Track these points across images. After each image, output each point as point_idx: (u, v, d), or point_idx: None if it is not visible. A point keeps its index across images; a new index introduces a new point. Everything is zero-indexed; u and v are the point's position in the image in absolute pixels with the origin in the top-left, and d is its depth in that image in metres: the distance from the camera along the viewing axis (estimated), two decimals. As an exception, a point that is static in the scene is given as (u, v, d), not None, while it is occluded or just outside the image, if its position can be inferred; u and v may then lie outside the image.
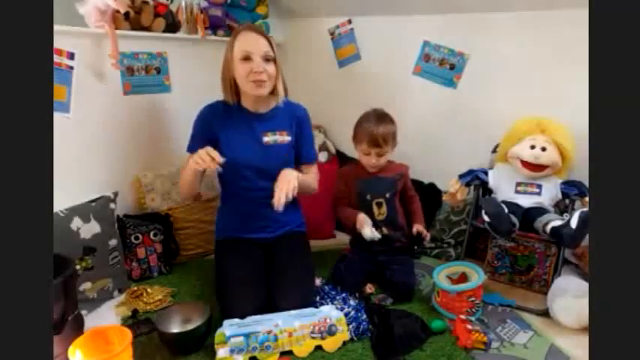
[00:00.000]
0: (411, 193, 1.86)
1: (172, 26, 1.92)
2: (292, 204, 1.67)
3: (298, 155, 1.67)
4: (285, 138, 1.61)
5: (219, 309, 1.45)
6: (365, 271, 1.74)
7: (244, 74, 1.47)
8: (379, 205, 1.73)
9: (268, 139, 1.58)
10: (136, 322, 1.51)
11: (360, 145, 1.73)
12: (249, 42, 1.47)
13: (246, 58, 1.46)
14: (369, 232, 1.64)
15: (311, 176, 1.67)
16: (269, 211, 1.59)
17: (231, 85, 1.54)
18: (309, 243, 1.73)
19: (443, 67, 2.10)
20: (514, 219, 1.54)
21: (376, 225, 1.73)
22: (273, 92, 1.56)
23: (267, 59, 1.48)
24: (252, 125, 1.58)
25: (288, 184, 1.45)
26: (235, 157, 1.53)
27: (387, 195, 1.74)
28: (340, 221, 1.89)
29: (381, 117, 1.72)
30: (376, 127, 1.68)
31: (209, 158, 1.38)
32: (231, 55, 1.49)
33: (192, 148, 1.56)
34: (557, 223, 1.47)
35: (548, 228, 1.49)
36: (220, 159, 1.39)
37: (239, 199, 1.62)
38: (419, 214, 1.83)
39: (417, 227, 1.76)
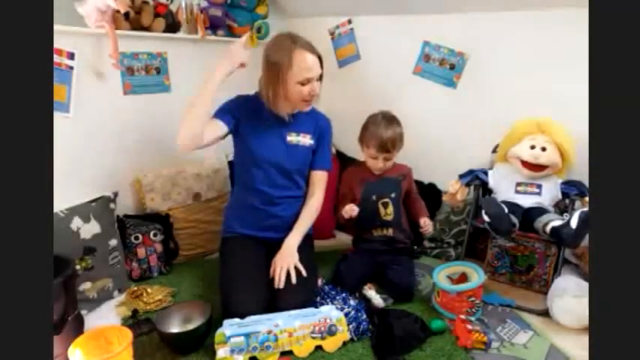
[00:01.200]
0: (414, 196, 1.85)
1: (172, 26, 1.92)
2: (301, 206, 1.69)
3: (313, 160, 1.68)
4: (307, 140, 1.64)
5: (222, 306, 1.45)
6: (365, 272, 1.74)
7: (299, 96, 1.51)
8: (385, 205, 1.73)
9: (292, 138, 1.62)
10: (136, 322, 1.51)
11: (368, 150, 1.73)
12: (310, 67, 1.49)
13: (305, 83, 1.50)
14: (349, 209, 1.65)
15: (310, 210, 1.66)
16: (277, 210, 1.62)
17: (279, 96, 1.53)
18: (314, 244, 1.75)
19: (443, 67, 2.10)
20: (514, 219, 1.54)
21: (383, 226, 1.73)
22: None
23: (318, 79, 1.54)
24: (277, 124, 1.60)
25: (288, 265, 1.48)
26: (259, 152, 1.58)
27: (393, 195, 1.74)
28: (340, 222, 1.89)
29: (389, 121, 1.71)
30: (385, 131, 1.67)
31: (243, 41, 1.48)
32: (288, 68, 1.47)
33: (217, 115, 1.55)
34: (557, 223, 1.47)
35: (548, 228, 1.49)
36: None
37: (254, 195, 1.62)
38: (424, 209, 1.82)
39: (424, 219, 1.75)
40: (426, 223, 1.73)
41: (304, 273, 1.49)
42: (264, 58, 1.54)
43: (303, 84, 1.50)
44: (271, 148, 1.59)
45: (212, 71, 1.46)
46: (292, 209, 1.66)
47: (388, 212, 1.75)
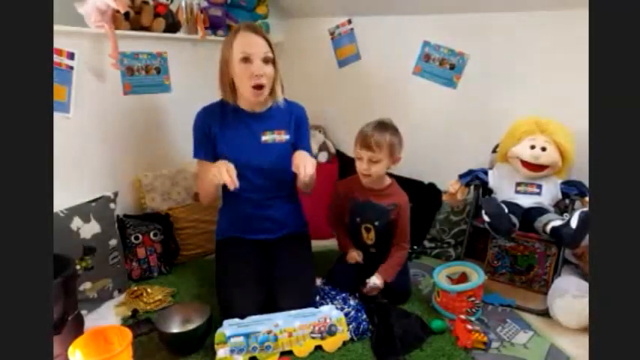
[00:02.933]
0: (399, 239, 1.67)
1: (172, 26, 1.92)
2: (293, 205, 1.68)
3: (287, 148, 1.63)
4: (283, 137, 1.59)
5: (219, 309, 1.45)
6: (359, 274, 1.73)
7: (243, 76, 1.45)
8: (367, 230, 1.67)
9: (267, 137, 1.57)
10: (136, 322, 1.51)
11: (355, 148, 1.63)
12: (249, 43, 1.44)
13: (246, 60, 1.44)
14: (371, 285, 1.58)
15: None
16: (270, 212, 1.60)
17: (230, 84, 1.51)
18: (311, 244, 1.73)
19: (443, 67, 2.10)
20: (514, 219, 1.54)
21: (365, 247, 1.71)
22: (271, 93, 1.55)
23: (266, 61, 1.46)
24: (250, 125, 1.57)
25: (306, 159, 1.42)
26: (234, 157, 1.50)
27: (377, 223, 1.64)
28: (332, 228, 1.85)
29: (381, 124, 1.60)
30: (372, 131, 1.57)
31: (229, 179, 1.35)
32: (230, 54, 1.46)
33: (199, 155, 1.58)
34: (557, 223, 1.47)
35: (548, 228, 1.49)
36: (237, 183, 1.37)
37: (239, 200, 1.61)
38: (391, 265, 1.63)
39: (374, 279, 1.58)
40: (370, 285, 1.57)
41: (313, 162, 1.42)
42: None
43: (244, 61, 1.43)
44: (247, 151, 1.54)
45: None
46: (284, 209, 1.64)
47: (370, 237, 1.68)
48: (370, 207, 1.65)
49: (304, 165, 1.39)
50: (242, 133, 1.56)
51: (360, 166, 1.60)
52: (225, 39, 1.51)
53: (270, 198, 1.60)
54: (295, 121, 1.62)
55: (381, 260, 1.68)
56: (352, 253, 1.69)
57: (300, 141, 1.63)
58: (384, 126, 1.60)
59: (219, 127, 1.56)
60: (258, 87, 1.46)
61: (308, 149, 1.66)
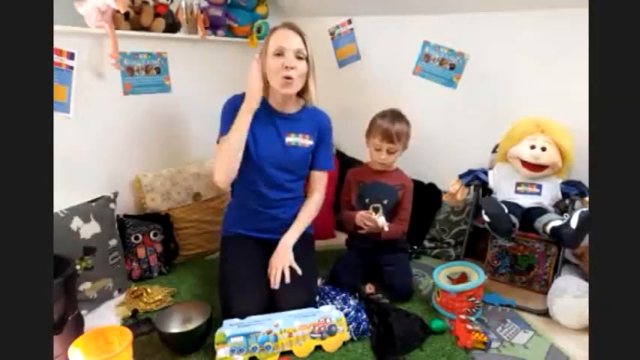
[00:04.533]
0: (400, 216, 1.75)
1: (172, 26, 1.92)
2: (300, 206, 1.69)
3: (313, 160, 1.67)
4: (307, 142, 1.61)
5: (220, 307, 1.45)
6: (361, 271, 1.75)
7: (275, 69, 1.46)
8: (376, 210, 1.70)
9: (291, 139, 1.59)
10: (136, 322, 1.51)
11: (373, 139, 1.73)
12: (284, 38, 1.47)
13: (279, 54, 1.46)
14: (377, 220, 1.62)
15: (308, 210, 1.66)
16: (277, 212, 1.62)
17: (264, 80, 1.51)
18: (314, 244, 1.74)
19: (443, 67, 2.10)
20: (514, 219, 1.54)
21: (371, 232, 1.72)
22: (304, 93, 1.58)
23: (299, 57, 1.48)
24: (276, 124, 1.58)
25: (283, 265, 1.49)
26: (257, 153, 1.55)
27: (385, 202, 1.71)
28: (342, 223, 1.90)
29: (397, 115, 1.74)
30: (391, 123, 1.69)
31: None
32: (266, 50, 1.49)
33: (224, 131, 1.53)
34: (557, 223, 1.47)
35: (548, 228, 1.49)
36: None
37: (253, 197, 1.61)
38: (393, 226, 1.68)
39: (383, 220, 1.63)
40: (377, 220, 1.62)
41: (299, 272, 1.49)
42: None
43: (278, 54, 1.46)
44: (270, 149, 1.57)
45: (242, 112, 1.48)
46: (292, 211, 1.65)
47: (378, 217, 1.70)
48: (379, 186, 1.75)
49: (275, 271, 1.47)
50: (268, 130, 1.57)
51: (379, 157, 1.73)
52: (265, 37, 1.55)
53: (280, 199, 1.61)
54: (319, 130, 1.64)
55: (384, 249, 1.74)
56: (361, 213, 1.68)
57: (320, 149, 1.66)
58: (400, 116, 1.74)
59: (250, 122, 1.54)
60: (288, 79, 1.47)
61: (327, 160, 1.69)
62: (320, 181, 1.69)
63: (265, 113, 1.57)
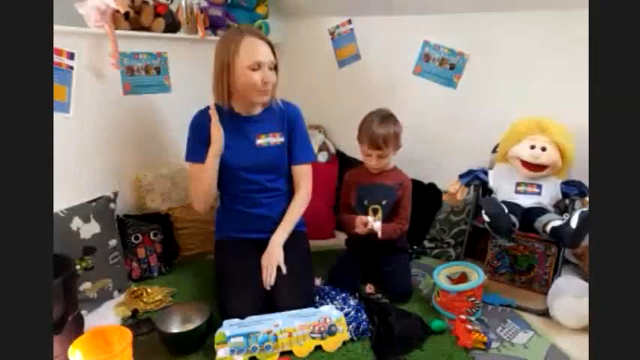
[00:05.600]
0: (400, 215, 1.74)
1: (172, 26, 1.92)
2: (289, 204, 1.68)
3: (290, 156, 1.65)
4: (278, 139, 1.60)
5: (219, 310, 1.46)
6: (361, 270, 1.75)
7: (252, 83, 1.45)
8: (375, 211, 1.68)
9: (261, 141, 1.58)
10: (136, 322, 1.51)
11: (362, 146, 1.73)
12: (259, 51, 1.44)
13: (255, 68, 1.44)
14: (372, 225, 1.62)
15: (296, 207, 1.64)
16: (265, 211, 1.62)
17: (228, 89, 1.51)
18: (309, 243, 1.74)
19: (443, 67, 2.10)
20: (514, 219, 1.54)
21: (370, 234, 1.71)
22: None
23: (271, 68, 1.49)
24: (244, 128, 1.58)
25: (272, 264, 1.50)
26: (230, 161, 1.55)
27: (384, 202, 1.70)
28: (342, 225, 1.89)
29: (384, 118, 1.69)
30: (377, 128, 1.66)
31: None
32: (234, 59, 1.44)
33: (192, 158, 1.57)
34: (557, 223, 1.47)
35: (548, 228, 1.49)
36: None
37: (236, 200, 1.63)
38: (390, 231, 1.69)
39: (378, 221, 1.64)
40: (372, 224, 1.63)
41: (284, 271, 1.49)
42: (214, 58, 1.51)
43: (253, 69, 1.43)
44: (242, 154, 1.56)
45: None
46: (279, 207, 1.65)
47: (377, 218, 1.69)
48: (377, 187, 1.73)
49: (265, 271, 1.49)
50: (237, 136, 1.57)
51: (370, 163, 1.73)
52: (224, 43, 1.48)
53: (264, 198, 1.62)
54: (289, 122, 1.62)
55: (384, 251, 1.73)
56: (359, 217, 1.68)
57: (294, 143, 1.64)
58: (386, 119, 1.70)
59: None
60: (264, 91, 1.49)
61: (304, 151, 1.67)
62: (302, 176, 1.66)
63: (232, 121, 1.56)
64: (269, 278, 1.47)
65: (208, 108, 1.56)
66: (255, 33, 1.49)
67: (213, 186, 1.57)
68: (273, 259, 1.51)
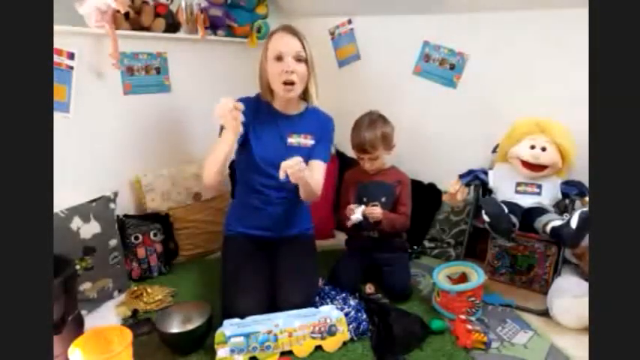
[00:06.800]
0: (402, 209, 1.75)
1: (172, 26, 1.92)
2: (301, 206, 1.69)
3: (310, 153, 1.63)
4: (308, 142, 1.62)
5: (222, 306, 1.45)
6: (361, 270, 1.75)
7: (275, 73, 1.49)
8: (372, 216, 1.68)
9: (292, 140, 1.60)
10: (136, 322, 1.51)
11: (354, 150, 1.77)
12: (282, 42, 1.49)
13: (279, 58, 1.48)
14: (354, 216, 1.64)
15: (315, 178, 1.59)
16: (277, 210, 1.62)
17: (267, 84, 1.56)
18: (315, 245, 1.74)
19: (443, 67, 2.10)
20: (514, 219, 1.54)
21: (370, 228, 1.73)
22: (305, 96, 1.60)
23: (298, 59, 1.49)
24: (279, 125, 1.60)
25: (295, 163, 1.39)
26: (259, 154, 1.57)
27: (383, 199, 1.72)
28: (341, 223, 1.89)
29: (371, 122, 1.72)
30: (365, 133, 1.69)
31: (229, 107, 1.32)
32: (266, 55, 1.51)
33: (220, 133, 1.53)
34: (558, 223, 1.47)
35: (549, 228, 1.49)
36: (240, 105, 1.35)
37: (253, 195, 1.62)
38: (393, 215, 1.71)
39: (377, 207, 1.65)
40: (374, 209, 1.64)
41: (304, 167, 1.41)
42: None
43: (277, 59, 1.48)
44: (271, 150, 1.57)
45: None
46: (292, 209, 1.66)
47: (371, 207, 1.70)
48: (376, 185, 1.76)
49: (290, 165, 1.35)
50: (271, 131, 1.59)
51: (364, 165, 1.77)
52: (264, 42, 1.56)
53: (281, 198, 1.61)
54: (322, 130, 1.65)
55: (381, 248, 1.75)
56: (348, 207, 1.69)
57: (318, 144, 1.63)
58: (373, 122, 1.73)
59: (252, 120, 1.56)
60: (289, 83, 1.49)
61: (323, 153, 1.64)
62: (317, 168, 1.62)
63: (269, 115, 1.59)
64: (291, 163, 1.35)
65: (249, 97, 1.59)
66: (286, 28, 1.53)
67: (227, 161, 1.49)
68: (295, 160, 1.38)
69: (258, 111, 1.58)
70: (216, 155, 1.46)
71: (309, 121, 1.63)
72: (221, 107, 1.34)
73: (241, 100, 1.56)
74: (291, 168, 1.35)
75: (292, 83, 1.49)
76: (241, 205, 1.68)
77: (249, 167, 1.59)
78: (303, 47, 1.51)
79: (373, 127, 1.71)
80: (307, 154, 1.62)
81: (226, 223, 1.74)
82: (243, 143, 1.59)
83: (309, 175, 1.50)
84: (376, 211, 1.65)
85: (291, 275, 1.49)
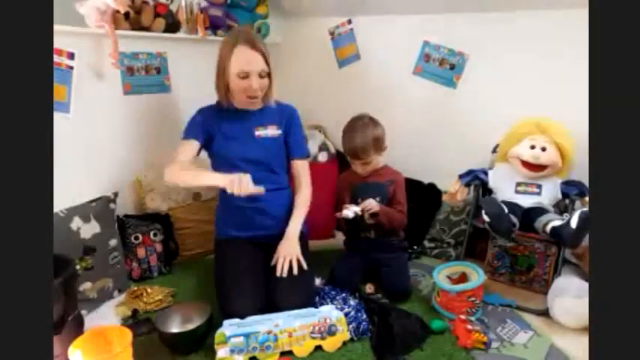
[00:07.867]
0: (397, 208, 1.74)
1: (172, 26, 1.92)
2: (288, 202, 1.70)
3: (288, 151, 1.70)
4: (275, 132, 1.66)
5: (219, 309, 1.45)
6: (360, 271, 1.75)
7: (240, 89, 1.54)
8: (368, 209, 1.69)
9: (260, 132, 1.64)
10: (136, 322, 1.51)
11: (346, 155, 1.78)
12: (247, 60, 1.50)
13: (244, 77, 1.51)
14: (345, 211, 1.63)
15: (303, 201, 1.67)
16: (263, 205, 1.62)
17: (226, 89, 1.58)
18: (308, 242, 1.73)
19: (443, 67, 2.10)
20: (514, 219, 1.54)
21: (366, 230, 1.74)
22: (264, 98, 1.63)
23: (262, 76, 1.54)
24: (244, 120, 1.64)
25: (291, 256, 1.50)
26: (230, 152, 1.60)
27: (377, 199, 1.71)
28: (338, 224, 1.89)
29: (362, 127, 1.71)
30: (355, 138, 1.69)
31: (244, 184, 1.36)
32: (227, 65, 1.52)
33: (188, 135, 1.62)
34: (558, 223, 1.47)
35: (549, 228, 1.49)
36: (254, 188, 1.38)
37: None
38: (389, 209, 1.71)
39: (370, 203, 1.64)
40: (370, 201, 1.65)
41: (305, 266, 1.50)
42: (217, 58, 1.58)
43: (241, 77, 1.51)
44: (242, 145, 1.61)
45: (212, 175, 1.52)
46: (278, 203, 1.66)
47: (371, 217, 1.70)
48: (369, 185, 1.76)
49: (283, 260, 1.48)
50: (236, 128, 1.63)
51: (357, 169, 1.77)
52: (222, 48, 1.55)
53: (265, 190, 1.60)
54: (287, 119, 1.69)
55: (380, 248, 1.75)
56: (344, 205, 1.69)
57: (291, 138, 1.69)
58: (364, 127, 1.72)
59: (217, 124, 1.62)
60: (254, 97, 1.57)
61: (301, 146, 1.73)
62: (303, 170, 1.70)
63: (233, 114, 1.63)
64: (286, 266, 1.46)
65: (210, 107, 1.66)
66: (248, 41, 1.52)
67: (192, 185, 1.67)
68: (292, 251, 1.51)
69: (221, 115, 1.63)
70: (192, 181, 1.56)
71: (271, 112, 1.67)
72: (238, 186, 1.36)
73: (202, 111, 1.66)
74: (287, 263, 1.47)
75: (256, 97, 1.57)
76: (227, 208, 1.68)
77: (225, 168, 1.57)
78: (266, 61, 1.54)
79: (363, 132, 1.69)
80: (277, 144, 1.68)
81: (216, 227, 1.75)
82: (215, 148, 1.64)
83: (302, 212, 1.64)
84: (372, 203, 1.65)
85: (288, 276, 1.49)
